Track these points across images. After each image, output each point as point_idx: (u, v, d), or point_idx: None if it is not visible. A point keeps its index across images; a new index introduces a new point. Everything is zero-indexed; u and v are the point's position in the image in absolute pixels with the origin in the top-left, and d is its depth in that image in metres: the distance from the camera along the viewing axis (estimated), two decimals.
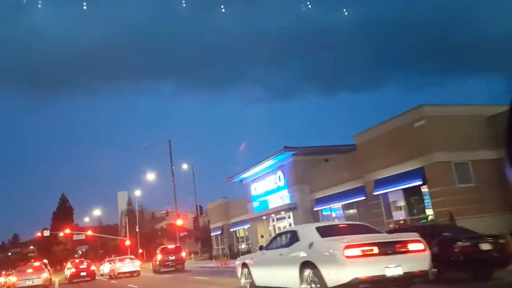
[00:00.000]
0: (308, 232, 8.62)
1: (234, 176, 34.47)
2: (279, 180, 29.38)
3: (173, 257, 29.31)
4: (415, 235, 7.69)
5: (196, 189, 51.61)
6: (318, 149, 28.12)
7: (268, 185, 30.83)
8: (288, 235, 9.29)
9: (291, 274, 8.14)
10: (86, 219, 79.81)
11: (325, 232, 8.31)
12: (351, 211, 24.14)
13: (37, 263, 30.02)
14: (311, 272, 7.61)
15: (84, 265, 30.58)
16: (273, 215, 30.90)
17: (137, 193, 62.80)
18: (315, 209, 26.69)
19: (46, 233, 61.45)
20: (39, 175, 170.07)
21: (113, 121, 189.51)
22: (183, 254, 31.24)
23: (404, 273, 7.10)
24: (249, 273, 10.47)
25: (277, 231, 32.70)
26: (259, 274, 10.07)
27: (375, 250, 7.08)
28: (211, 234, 42.28)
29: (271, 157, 28.73)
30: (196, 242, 55.98)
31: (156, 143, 47.21)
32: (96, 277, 32.51)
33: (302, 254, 8.07)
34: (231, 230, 37.98)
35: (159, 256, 29.72)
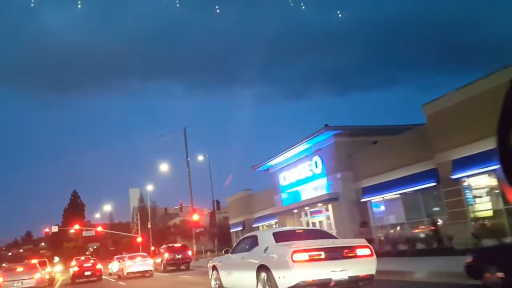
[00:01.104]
0: (266, 237, 8.84)
1: (260, 165, 29.60)
2: (316, 167, 24.47)
3: (180, 256, 28.17)
4: (363, 241, 7.97)
5: (212, 183, 47.10)
6: (366, 129, 23.17)
7: (301, 173, 25.92)
8: (250, 239, 9.45)
9: (250, 277, 8.29)
10: (97, 215, 75.58)
11: (280, 237, 8.46)
12: (414, 200, 19.17)
13: (34, 261, 25.57)
14: (266, 275, 7.75)
15: (89, 263, 25.96)
16: (306, 208, 26.00)
17: (149, 187, 58.67)
18: (362, 200, 21.75)
19: (54, 229, 57.01)
20: (53, 173, 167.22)
21: (125, 120, 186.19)
22: (189, 252, 30.06)
23: (349, 277, 7.26)
24: (218, 275, 10.51)
25: (312, 227, 28.02)
26: (226, 277, 10.10)
27: (322, 255, 7.23)
28: (231, 231, 37.42)
29: (306, 139, 23.84)
30: (211, 239, 51.32)
31: (171, 133, 43.01)
32: (103, 277, 27.92)
33: (259, 258, 8.21)
34: (254, 225, 33.11)
35: (165, 255, 28.15)
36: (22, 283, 17.52)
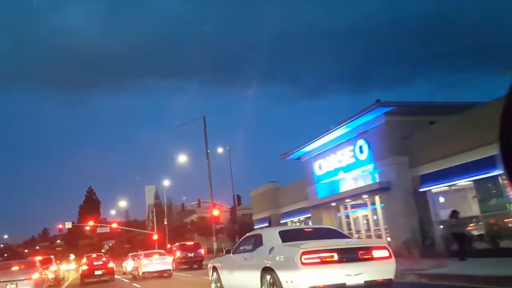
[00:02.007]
0: (271, 236, 8.02)
1: (290, 152, 25.80)
2: (360, 152, 20.62)
3: (192, 254, 27.50)
4: (380, 242, 8.34)
5: (232, 177, 43.49)
6: (424, 106, 19.20)
7: (341, 160, 22.07)
8: (253, 239, 8.59)
9: (253, 280, 7.56)
10: (113, 212, 72.78)
11: (287, 236, 7.63)
12: (492, 188, 15.26)
13: (38, 258, 22.28)
14: (271, 278, 6.99)
15: (100, 262, 22.55)
16: (348, 200, 22.15)
17: (166, 183, 55.49)
18: (421, 189, 17.86)
19: (68, 225, 54.06)
20: (70, 171, 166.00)
21: (142, 118, 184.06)
22: (202, 251, 29.09)
23: (365, 281, 6.49)
24: (218, 277, 9.74)
25: (353, 222, 24.23)
26: (227, 279, 9.29)
27: (335, 256, 6.45)
28: (255, 227, 33.60)
29: (349, 120, 20.00)
30: (229, 237, 47.75)
31: (189, 122, 39.55)
32: (116, 276, 24.52)
33: (263, 259, 7.42)
34: (281, 221, 29.34)
35: (178, 253, 27.11)
36: (16, 284, 14.09)
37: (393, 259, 6.88)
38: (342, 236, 8.10)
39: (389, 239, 19.37)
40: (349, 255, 6.56)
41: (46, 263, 21.73)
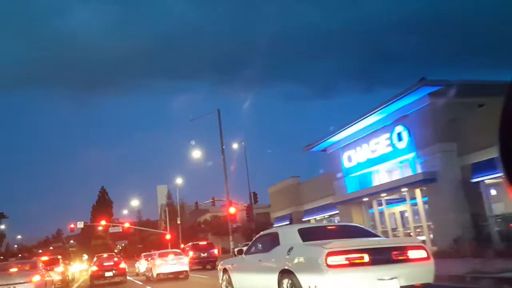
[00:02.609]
0: (289, 234, 7.04)
1: (315, 143, 23.45)
2: (399, 140, 18.22)
3: (205, 254, 26.46)
4: (415, 240, 7.24)
5: (248, 174, 41.31)
6: (473, 86, 16.72)
7: (375, 150, 19.67)
8: (269, 238, 7.74)
9: (269, 283, 6.69)
10: (125, 211, 71.13)
11: (308, 235, 6.69)
12: None
13: (43, 258, 20.32)
14: (290, 282, 6.13)
15: (111, 262, 20.47)
16: (383, 194, 19.74)
17: (179, 181, 53.44)
18: (473, 180, 15.40)
19: (80, 224, 52.38)
20: (83, 172, 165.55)
21: (153, 119, 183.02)
22: (215, 251, 28.11)
23: (401, 287, 5.64)
24: (229, 280, 8.86)
25: (388, 219, 21.81)
26: (239, 282, 8.44)
27: (366, 258, 5.56)
28: (274, 225, 31.30)
29: (388, 103, 17.63)
30: (244, 236, 45.56)
31: (203, 115, 37.48)
32: (129, 278, 22.46)
33: (281, 260, 6.54)
34: (304, 219, 27.03)
35: (190, 253, 25.76)
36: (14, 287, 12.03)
37: (431, 260, 6.00)
38: (369, 234, 7.11)
39: (431, 236, 16.99)
40: (382, 256, 5.71)
41: (52, 263, 19.73)
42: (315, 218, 26.11)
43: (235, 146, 39.86)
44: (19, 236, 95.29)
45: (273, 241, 7.29)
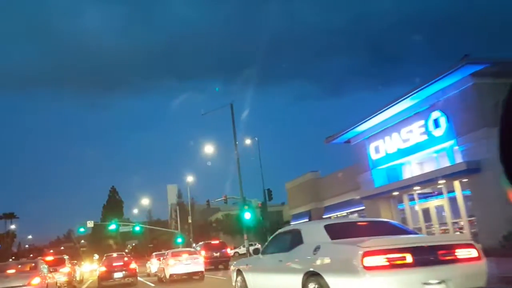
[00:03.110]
0: (315, 231, 6.23)
1: (338, 134, 21.65)
2: (436, 127, 16.34)
3: (217, 254, 25.48)
4: (465, 237, 6.47)
5: (262, 170, 39.61)
6: None
7: (407, 139, 17.82)
8: (290, 235, 6.84)
9: (293, 286, 5.85)
10: (135, 211, 70.00)
11: (337, 232, 5.86)
12: None
13: (48, 258, 18.84)
14: (317, 286, 5.32)
15: (121, 262, 18.88)
16: (416, 188, 17.87)
17: (190, 179, 51.93)
18: None
19: (90, 224, 51.17)
20: (93, 173, 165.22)
21: (163, 119, 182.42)
22: (228, 250, 27.47)
23: None
24: (244, 281, 8.10)
25: (421, 215, 19.93)
26: (255, 284, 7.67)
27: (408, 258, 4.73)
28: (292, 223, 29.55)
29: (423, 87, 15.80)
30: (257, 235, 43.84)
31: (216, 109, 35.90)
32: (139, 279, 20.88)
33: (306, 261, 5.75)
34: (324, 216, 25.23)
35: (202, 253, 24.14)
36: None
37: (483, 260, 5.16)
38: (406, 231, 6.22)
39: (474, 232, 15.11)
40: (427, 257, 4.92)
41: (57, 264, 18.21)
42: (336, 215, 24.30)
43: (248, 142, 38.34)
44: (29, 236, 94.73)
45: (295, 239, 6.50)
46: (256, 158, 37.73)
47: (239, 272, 8.51)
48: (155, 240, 66.84)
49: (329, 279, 5.10)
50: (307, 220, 26.59)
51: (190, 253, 19.19)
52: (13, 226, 72.53)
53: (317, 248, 5.60)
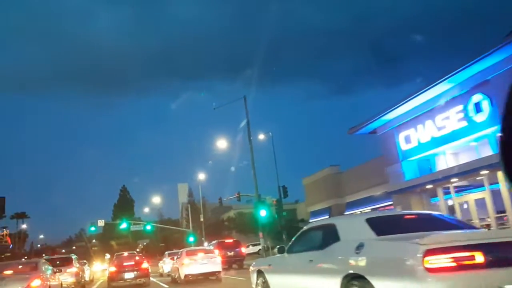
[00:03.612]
0: (355, 226, 5.26)
1: (363, 124, 20.07)
2: (477, 111, 14.67)
3: (232, 253, 24.63)
4: None
5: (277, 166, 38.07)
6: None
7: (443, 127, 16.17)
8: (322, 231, 5.94)
9: None
10: (146, 210, 69.11)
11: (383, 227, 4.94)
12: None
13: (53, 256, 17.60)
14: None
15: (132, 262, 17.53)
16: (454, 180, 16.18)
17: (201, 176, 50.62)
18: None
19: (101, 223, 50.14)
20: (104, 172, 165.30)
21: (172, 118, 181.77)
22: (243, 249, 26.32)
23: None
24: (266, 283, 7.27)
25: (459, 210, 18.23)
26: (279, 287, 6.81)
27: (479, 257, 3.73)
28: (310, 220, 27.98)
29: (462, 68, 14.17)
30: (272, 233, 42.33)
31: (228, 103, 34.53)
32: (151, 279, 19.55)
33: (346, 261, 4.84)
34: (346, 212, 23.62)
35: (216, 252, 22.28)
36: None
37: None
38: (462, 225, 5.32)
39: None
40: (501, 255, 3.83)
41: (63, 264, 16.90)
42: (360, 211, 22.67)
43: (261, 137, 36.86)
44: (41, 236, 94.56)
45: (329, 235, 5.58)
46: (270, 153, 36.34)
47: (260, 273, 7.68)
48: (167, 239, 65.82)
49: (377, 283, 4.24)
50: (328, 216, 25.01)
51: (206, 251, 17.77)
52: (24, 226, 72.00)
53: (360, 246, 4.73)
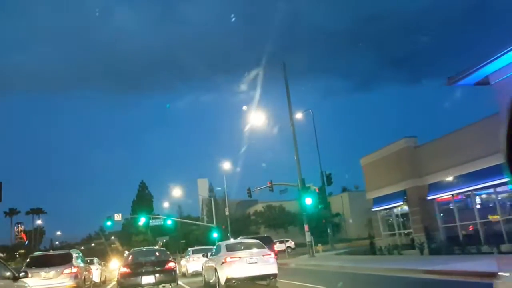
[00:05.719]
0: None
1: (467, 72, 14.25)
2: None
3: None
4: None
5: (319, 150, 32.49)
6: None
7: None
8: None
9: None
10: (165, 204, 64.50)
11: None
12: None
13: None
14: None
15: (152, 257, 12.27)
16: None
17: (226, 166, 45.46)
18: None
19: (118, 217, 45.51)
20: (123, 169, 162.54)
21: (191, 116, 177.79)
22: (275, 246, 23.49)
23: None
24: None
25: None
26: None
27: None
28: (373, 209, 22.19)
29: None
30: (316, 226, 36.63)
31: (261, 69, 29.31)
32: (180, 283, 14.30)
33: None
34: (429, 197, 17.83)
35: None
36: None
37: None
38: None
39: None
40: None
41: (60, 262, 11.90)
42: (452, 194, 16.84)
43: (299, 116, 31.32)
44: (58, 232, 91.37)
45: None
46: (312, 135, 30.81)
47: None
48: (187, 235, 60.99)
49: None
50: (402, 202, 19.20)
51: (258, 247, 12.33)
52: (39, 221, 68.23)
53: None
